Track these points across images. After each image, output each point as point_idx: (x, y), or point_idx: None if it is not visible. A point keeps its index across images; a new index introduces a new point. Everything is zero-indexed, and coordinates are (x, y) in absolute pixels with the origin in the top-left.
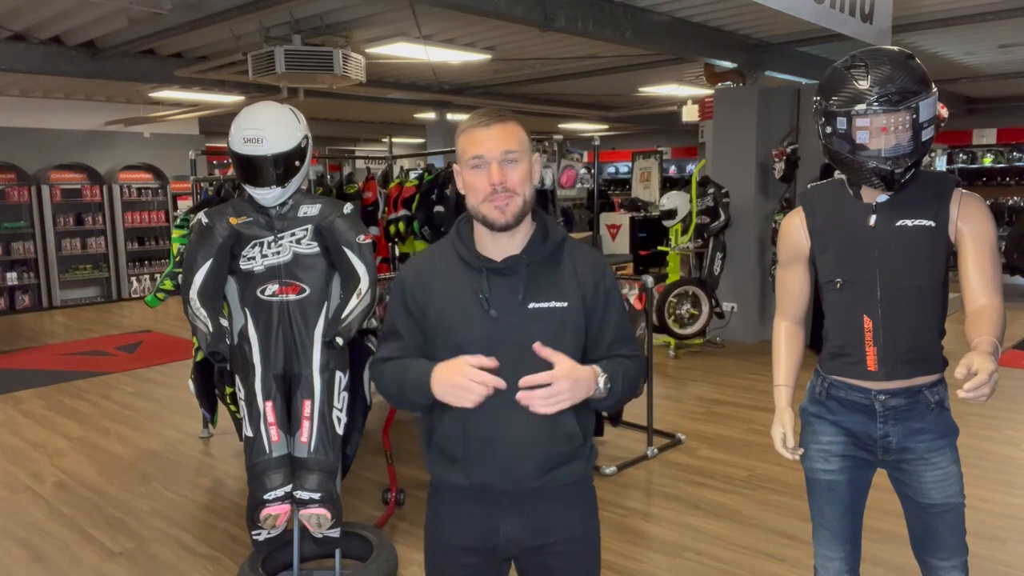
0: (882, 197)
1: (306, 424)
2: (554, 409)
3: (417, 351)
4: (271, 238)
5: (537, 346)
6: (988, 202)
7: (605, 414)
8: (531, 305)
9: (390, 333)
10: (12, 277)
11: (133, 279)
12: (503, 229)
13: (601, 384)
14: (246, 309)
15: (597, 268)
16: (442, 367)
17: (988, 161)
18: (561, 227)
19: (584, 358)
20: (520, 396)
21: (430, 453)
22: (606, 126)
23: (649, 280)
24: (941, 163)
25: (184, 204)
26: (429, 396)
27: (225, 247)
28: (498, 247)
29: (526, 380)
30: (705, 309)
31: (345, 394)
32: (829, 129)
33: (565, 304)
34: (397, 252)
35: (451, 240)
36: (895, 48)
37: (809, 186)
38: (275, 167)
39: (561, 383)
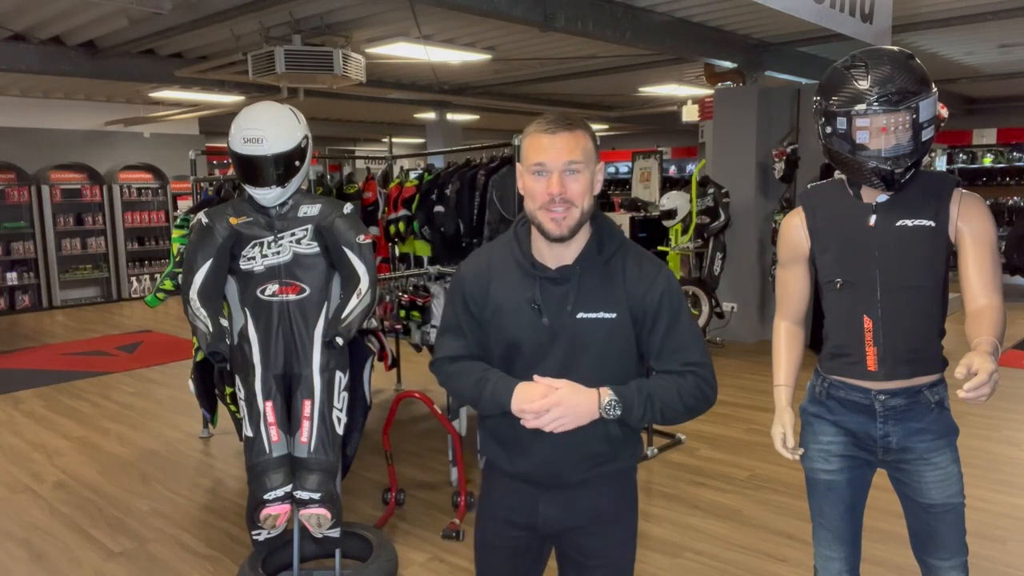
0: (882, 197)
1: (306, 424)
2: (551, 429)
3: (478, 347)
4: (271, 238)
5: (536, 377)
6: (988, 202)
7: None
8: (580, 315)
9: (452, 329)
10: (12, 277)
11: (133, 279)
12: (558, 240)
13: (603, 407)
14: (246, 309)
15: (646, 279)
16: (521, 391)
17: (988, 161)
18: (620, 234)
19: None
20: (524, 423)
21: (483, 433)
22: (606, 126)
23: None
24: (941, 163)
25: (184, 204)
26: (504, 411)
27: (225, 247)
28: (553, 254)
29: (525, 408)
30: (705, 309)
31: (345, 394)
32: (829, 129)
33: (613, 315)
34: (397, 252)
35: (508, 242)
36: (895, 48)
37: (809, 186)
38: (275, 167)
39: (554, 411)
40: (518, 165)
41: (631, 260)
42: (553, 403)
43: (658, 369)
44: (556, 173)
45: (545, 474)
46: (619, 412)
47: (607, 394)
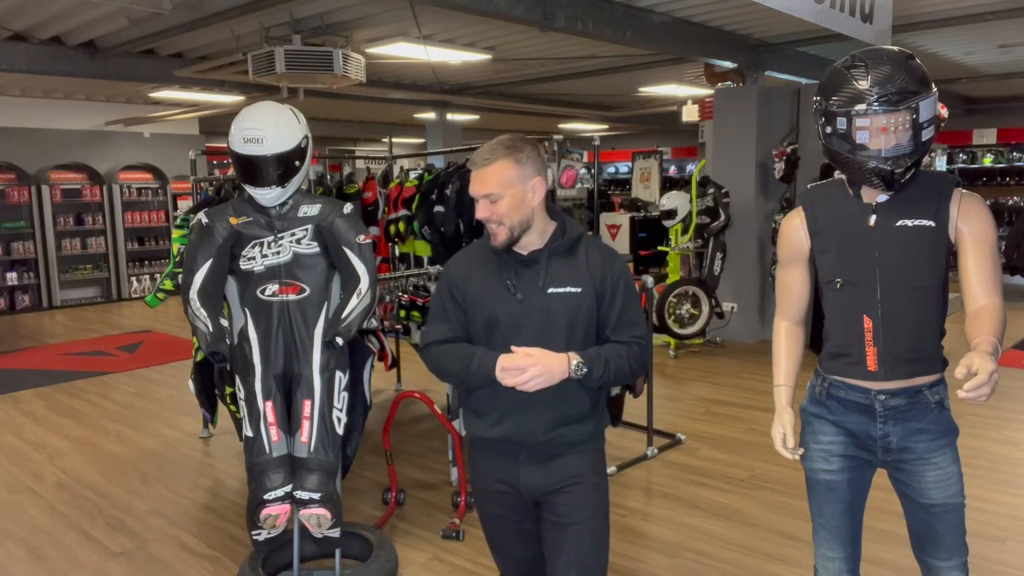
0: (882, 197)
1: (306, 424)
2: (533, 388)
3: (461, 330)
4: (271, 238)
5: (514, 348)
6: (988, 202)
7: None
8: (550, 290)
9: (438, 317)
10: (12, 277)
11: (133, 279)
12: (500, 248)
13: (572, 368)
14: (246, 309)
15: (607, 261)
16: (504, 358)
17: (988, 161)
18: (579, 226)
19: (598, 336)
20: (504, 380)
21: (465, 412)
22: (606, 126)
23: (649, 280)
24: (941, 163)
25: (184, 204)
26: (491, 380)
27: (225, 247)
28: (524, 242)
29: (506, 367)
30: (705, 309)
31: (345, 394)
32: (829, 129)
33: (579, 289)
34: (397, 252)
35: (486, 238)
36: (895, 48)
37: (809, 186)
38: (275, 167)
39: (532, 370)
40: None
41: (593, 246)
42: (531, 363)
43: (612, 339)
44: (481, 201)
45: (523, 434)
46: (585, 371)
47: (575, 357)
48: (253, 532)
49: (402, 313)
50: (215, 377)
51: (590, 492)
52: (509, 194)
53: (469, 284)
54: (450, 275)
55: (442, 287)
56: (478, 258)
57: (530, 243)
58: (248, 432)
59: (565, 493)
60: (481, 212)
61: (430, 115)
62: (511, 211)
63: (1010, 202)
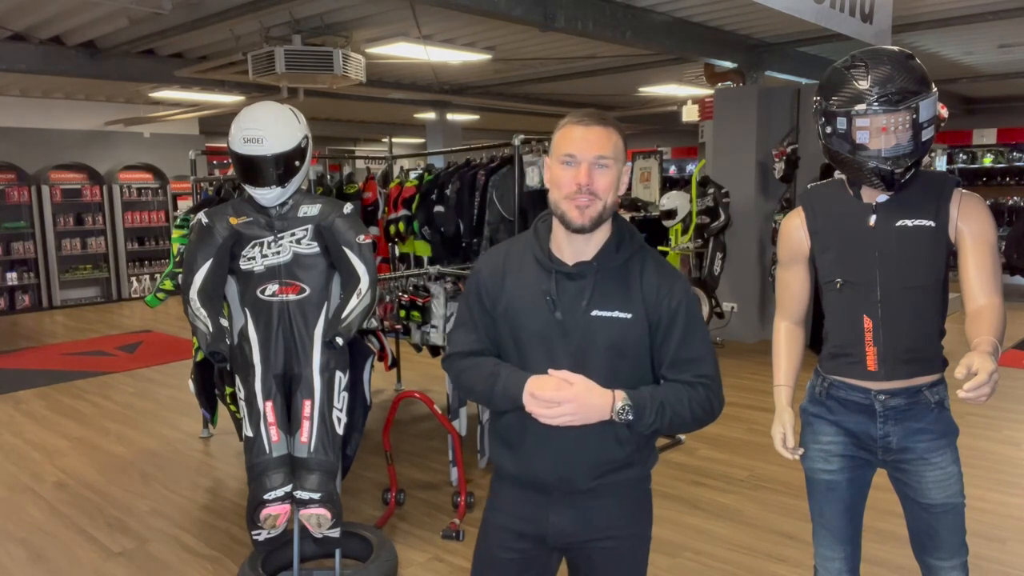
0: (882, 197)
1: (306, 424)
2: (555, 423)
3: (490, 342)
4: (271, 238)
5: (551, 371)
6: (988, 202)
7: None
8: (594, 312)
9: (464, 325)
10: (12, 277)
11: (133, 279)
12: (578, 231)
13: (616, 410)
14: (246, 309)
15: (665, 285)
16: (534, 381)
17: (988, 161)
18: (639, 238)
19: (654, 373)
20: (528, 407)
21: (492, 439)
22: None
23: None
24: (941, 163)
25: (184, 204)
26: (518, 406)
27: (225, 247)
28: (572, 250)
29: (538, 396)
30: (705, 309)
31: (345, 394)
32: (829, 129)
33: (629, 315)
34: (397, 252)
35: (527, 238)
36: (895, 48)
37: (809, 186)
38: (275, 167)
39: (566, 406)
40: (546, 158)
41: (650, 265)
42: (567, 398)
43: (670, 378)
44: (585, 164)
45: (555, 478)
46: (630, 418)
47: (621, 398)
48: (253, 532)
49: (402, 313)
50: (215, 377)
51: (631, 547)
52: (616, 167)
53: (502, 290)
54: (480, 277)
55: (470, 290)
56: (515, 261)
57: (580, 250)
58: (248, 432)
59: (601, 547)
60: (581, 177)
61: (430, 115)
62: (609, 187)
63: (1010, 202)
